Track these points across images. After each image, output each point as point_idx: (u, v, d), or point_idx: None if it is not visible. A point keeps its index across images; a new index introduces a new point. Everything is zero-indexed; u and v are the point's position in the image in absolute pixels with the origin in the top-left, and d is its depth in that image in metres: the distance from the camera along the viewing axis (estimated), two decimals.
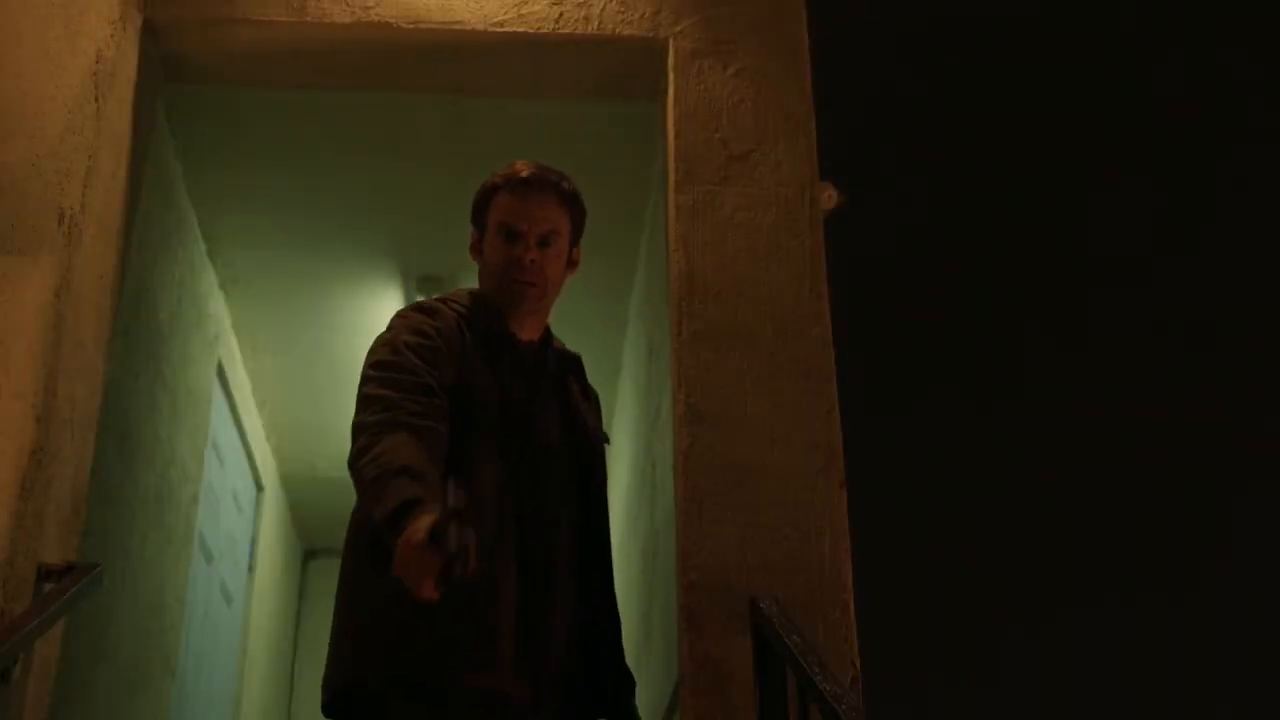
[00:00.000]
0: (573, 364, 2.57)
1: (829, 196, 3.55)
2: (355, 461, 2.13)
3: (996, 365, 8.90)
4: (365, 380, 2.28)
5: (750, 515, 3.05)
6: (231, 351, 5.25)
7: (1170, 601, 8.36)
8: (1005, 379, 8.97)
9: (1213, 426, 8.51)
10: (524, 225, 2.44)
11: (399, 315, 2.44)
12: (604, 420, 2.76)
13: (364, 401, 2.23)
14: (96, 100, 3.11)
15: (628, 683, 2.39)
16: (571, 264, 2.55)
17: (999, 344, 8.84)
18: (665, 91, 3.60)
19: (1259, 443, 8.46)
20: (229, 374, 5.17)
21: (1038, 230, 9.13)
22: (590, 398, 2.59)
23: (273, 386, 5.74)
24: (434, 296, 2.56)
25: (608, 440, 2.57)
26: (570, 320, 3.04)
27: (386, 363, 2.27)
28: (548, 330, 2.55)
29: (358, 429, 2.18)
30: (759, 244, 3.35)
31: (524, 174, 2.48)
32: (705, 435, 3.13)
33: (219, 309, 4.96)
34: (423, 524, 1.91)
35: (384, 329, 2.41)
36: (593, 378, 2.78)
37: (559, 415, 2.45)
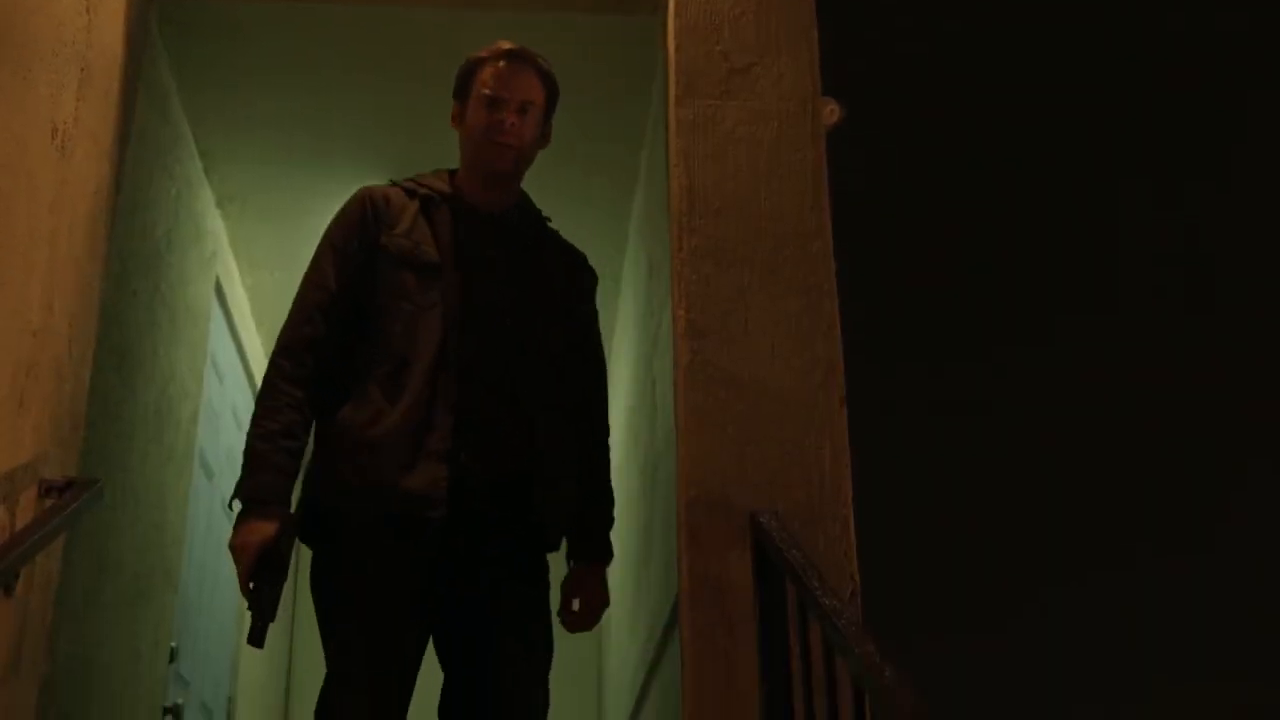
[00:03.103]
0: (540, 226, 2.87)
1: (831, 111, 3.51)
2: (255, 412, 2.61)
3: (1000, 284, 8.88)
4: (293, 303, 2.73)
5: (750, 430, 3.05)
6: (229, 269, 5.23)
7: (1170, 552, 8.39)
8: (1006, 298, 8.95)
9: (1212, 391, 8.49)
10: (505, 93, 2.74)
11: (332, 220, 2.79)
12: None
13: (278, 338, 2.69)
14: (88, 12, 3.06)
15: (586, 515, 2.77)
16: (544, 138, 2.85)
17: (1002, 261, 8.81)
18: (665, 4, 3.55)
19: (1259, 405, 8.44)
20: (227, 291, 5.15)
21: (1045, 151, 9.06)
22: (562, 258, 2.87)
23: (271, 304, 5.72)
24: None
25: (591, 298, 2.92)
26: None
27: (295, 299, 2.72)
28: (520, 202, 2.85)
29: (268, 364, 2.65)
30: (760, 159, 3.32)
31: (507, 47, 2.79)
32: (705, 350, 3.13)
33: (216, 226, 4.93)
34: (255, 536, 2.49)
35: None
36: None
37: (512, 273, 2.73)
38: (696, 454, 3.04)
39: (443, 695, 2.61)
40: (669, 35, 3.48)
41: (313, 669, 2.60)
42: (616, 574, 4.85)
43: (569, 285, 2.85)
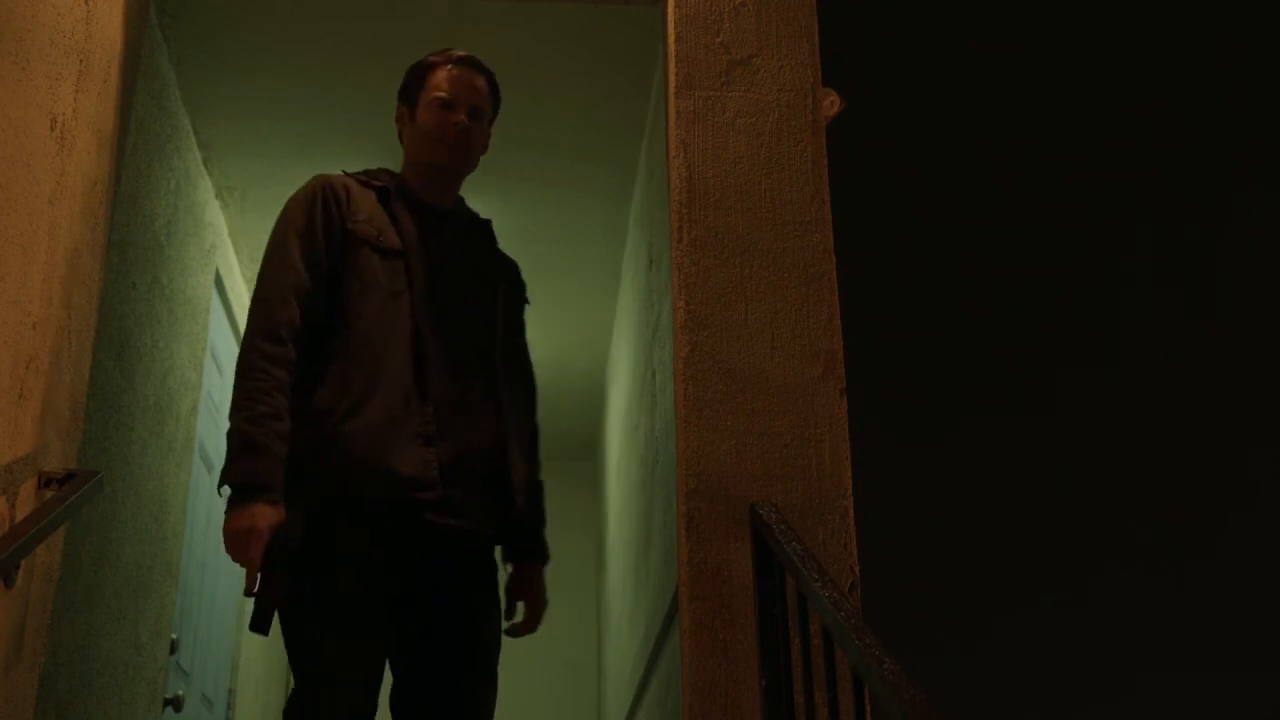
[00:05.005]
0: (482, 227, 2.92)
1: (831, 103, 3.51)
2: (237, 396, 2.55)
3: (1000, 275, 8.87)
4: (256, 287, 2.65)
5: (750, 422, 3.05)
6: (229, 261, 5.22)
7: (1172, 546, 8.38)
8: (1007, 289, 8.95)
9: (1214, 389, 8.46)
10: (459, 96, 2.79)
11: (289, 205, 2.75)
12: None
13: (249, 323, 2.62)
14: (87, 3, 3.06)
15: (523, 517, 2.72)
16: (485, 146, 2.91)
17: (1002, 252, 8.80)
18: None
19: (1260, 405, 8.42)
20: (226, 283, 5.15)
21: (1046, 142, 9.05)
22: (501, 258, 2.93)
23: None
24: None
25: (526, 300, 2.96)
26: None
27: (263, 281, 2.65)
28: (460, 200, 2.91)
29: (243, 348, 2.61)
30: (760, 150, 3.32)
31: (460, 53, 2.84)
32: (705, 342, 3.13)
33: (216, 218, 4.92)
34: (263, 521, 2.40)
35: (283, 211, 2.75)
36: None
37: (465, 266, 2.78)
38: (696, 445, 3.04)
39: (395, 692, 2.62)
40: (669, 26, 3.47)
41: None
42: (617, 566, 4.83)
43: (510, 289, 2.91)
